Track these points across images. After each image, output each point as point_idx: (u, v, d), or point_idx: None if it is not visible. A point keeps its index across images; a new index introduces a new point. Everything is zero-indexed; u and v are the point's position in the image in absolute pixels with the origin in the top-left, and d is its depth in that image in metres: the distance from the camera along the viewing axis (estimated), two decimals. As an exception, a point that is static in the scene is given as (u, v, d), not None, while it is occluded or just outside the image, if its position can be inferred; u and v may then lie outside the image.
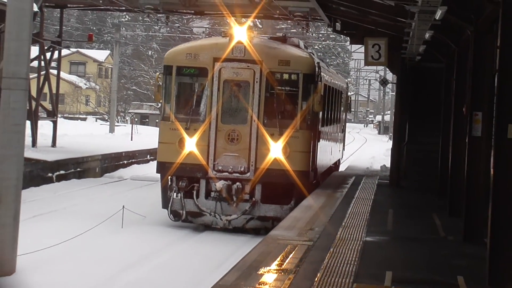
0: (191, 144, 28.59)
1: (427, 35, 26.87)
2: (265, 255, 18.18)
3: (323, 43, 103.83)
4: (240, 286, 14.99)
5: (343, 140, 53.62)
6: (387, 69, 48.80)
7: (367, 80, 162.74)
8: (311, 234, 21.38)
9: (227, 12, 40.38)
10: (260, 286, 14.97)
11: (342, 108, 49.14)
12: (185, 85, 30.96)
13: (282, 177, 28.40)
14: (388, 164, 41.76)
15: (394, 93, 45.72)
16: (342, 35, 48.14)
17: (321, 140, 33.90)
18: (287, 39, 34.21)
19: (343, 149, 54.46)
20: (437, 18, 21.27)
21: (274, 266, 17.09)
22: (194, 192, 29.08)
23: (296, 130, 28.80)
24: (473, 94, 21.88)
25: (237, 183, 28.50)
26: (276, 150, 28.41)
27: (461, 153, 24.34)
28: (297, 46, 33.37)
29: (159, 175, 31.25)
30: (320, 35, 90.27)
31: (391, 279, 16.17)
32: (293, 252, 18.61)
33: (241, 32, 28.43)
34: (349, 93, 62.18)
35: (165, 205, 29.57)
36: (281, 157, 28.28)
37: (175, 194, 29.15)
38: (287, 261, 17.69)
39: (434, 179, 34.91)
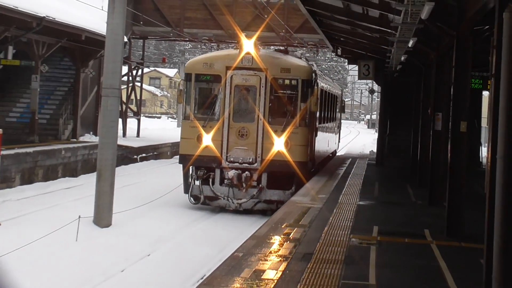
0: (207, 139, 25.89)
1: (402, 58, 26.81)
2: (287, 214, 18.14)
3: (329, 63, 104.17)
4: (270, 236, 14.99)
5: (338, 135, 48.64)
6: (374, 82, 48.26)
7: (360, 90, 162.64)
8: (320, 200, 21.37)
9: (261, 42, 35.77)
10: (284, 236, 14.99)
11: (337, 110, 44.44)
12: (202, 89, 27.62)
13: (284, 166, 25.59)
14: (375, 149, 41.51)
15: (379, 99, 45.25)
16: (342, 58, 47.65)
17: (318, 135, 30.44)
18: (289, 51, 31.19)
19: (339, 141, 49.87)
20: (409, 46, 21.21)
21: (294, 222, 17.01)
22: (210, 180, 26.29)
23: (296, 127, 25.91)
24: (436, 100, 21.87)
25: (246, 172, 25.81)
26: (279, 144, 25.66)
27: (427, 142, 24.28)
28: (298, 58, 30.17)
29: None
30: (327, 57, 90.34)
31: (377, 231, 16.19)
32: (307, 212, 18.60)
33: (249, 45, 26.02)
34: (343, 98, 56.75)
35: (186, 190, 26.93)
36: (283, 150, 25.57)
37: (194, 181, 26.56)
38: (303, 219, 17.67)
39: (407, 160, 34.82)
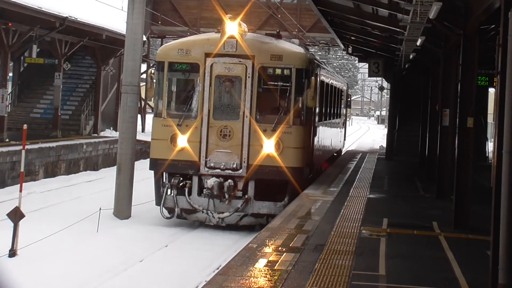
0: (183, 141, 20.89)
1: (411, 56, 26.81)
2: (300, 207, 18.16)
3: (340, 61, 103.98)
4: (284, 228, 14.98)
5: (343, 133, 42.41)
6: (384, 79, 48.09)
7: (370, 87, 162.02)
8: (331, 193, 21.33)
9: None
10: (297, 227, 14.97)
11: (342, 105, 38.43)
12: (177, 81, 22.54)
13: (275, 173, 20.67)
14: (385, 144, 41.44)
15: (388, 96, 45.15)
16: (352, 56, 47.54)
17: (318, 134, 25.32)
18: (282, 36, 25.16)
19: (344, 139, 43.49)
20: (418, 45, 21.19)
21: (306, 214, 17.00)
22: (186, 189, 21.04)
23: (289, 126, 20.78)
24: (443, 96, 21.77)
25: (229, 180, 20.66)
26: (268, 146, 20.67)
27: (435, 137, 24.16)
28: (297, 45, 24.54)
29: None
30: (338, 56, 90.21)
31: (387, 223, 16.13)
32: (319, 205, 18.61)
33: (233, 27, 20.72)
34: (350, 93, 51.20)
35: (158, 202, 21.46)
36: (274, 153, 20.59)
37: (167, 190, 21.33)
38: (315, 211, 17.66)
39: (416, 155, 34.74)
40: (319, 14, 28.19)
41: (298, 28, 43.47)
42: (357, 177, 26.37)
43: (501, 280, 10.55)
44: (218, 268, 14.16)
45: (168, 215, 21.14)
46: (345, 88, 40.86)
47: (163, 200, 20.98)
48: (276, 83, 21.32)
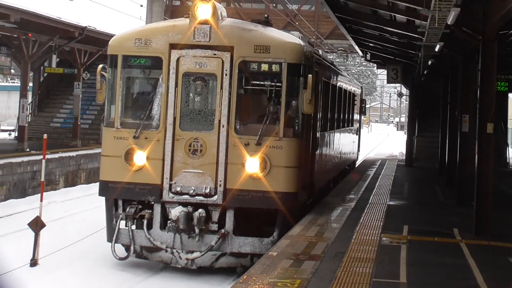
0: (140, 158, 15.70)
1: (429, 62, 26.73)
2: (320, 214, 18.01)
3: (358, 68, 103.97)
4: (303, 235, 14.87)
5: (357, 142, 36.49)
6: (402, 86, 48.02)
7: (389, 93, 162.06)
8: (351, 200, 21.27)
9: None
10: (317, 236, 14.92)
11: (355, 111, 33.20)
12: (134, 80, 17.10)
13: (260, 201, 15.59)
14: (404, 151, 41.37)
15: (407, 102, 45.11)
16: (371, 63, 47.57)
17: (321, 147, 20.22)
18: (271, 23, 18.62)
19: (358, 150, 37.59)
20: (436, 51, 21.14)
21: (326, 222, 16.94)
22: (145, 221, 15.70)
23: (279, 139, 15.60)
24: (462, 102, 21.76)
25: (200, 210, 15.37)
26: (252, 165, 15.51)
27: (454, 143, 24.12)
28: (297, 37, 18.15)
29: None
30: (356, 62, 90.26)
31: (407, 230, 16.08)
32: (339, 212, 18.54)
33: (206, 10, 15.55)
34: (364, 97, 43.82)
35: (109, 237, 16.12)
36: (259, 174, 15.45)
37: (122, 223, 15.99)
38: (334, 218, 17.60)
39: (435, 161, 34.65)
40: (337, 21, 28.19)
41: (316, 35, 43.42)
42: (377, 184, 26.32)
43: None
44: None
45: (120, 257, 15.81)
46: (358, 91, 35.76)
47: (115, 235, 15.66)
48: (261, 83, 16.08)
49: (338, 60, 59.61)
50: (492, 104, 16.19)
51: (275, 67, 15.72)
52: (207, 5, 15.25)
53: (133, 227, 16.11)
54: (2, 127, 51.26)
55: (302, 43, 16.60)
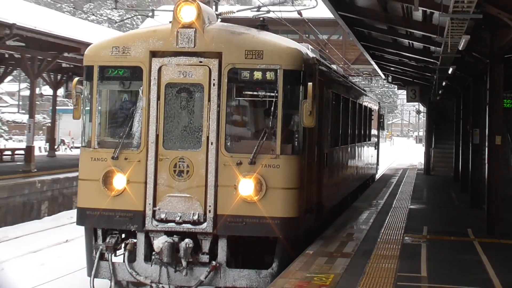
0: (120, 181, 12.04)
1: (443, 83, 26.64)
2: (349, 218, 17.96)
3: (381, 89, 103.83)
4: (336, 236, 14.83)
5: (376, 156, 32.14)
6: (420, 104, 47.84)
7: (408, 111, 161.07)
8: (377, 204, 21.20)
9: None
10: (348, 236, 14.88)
11: (373, 125, 29.18)
12: (112, 94, 13.20)
13: (256, 228, 11.79)
14: (423, 161, 41.13)
15: (425, 118, 44.94)
16: (392, 84, 47.38)
17: (333, 163, 16.44)
18: (268, 27, 14.53)
19: (377, 164, 33.29)
20: (449, 73, 21.12)
21: (354, 224, 16.87)
22: (126, 253, 12.06)
23: (275, 157, 11.82)
24: (473, 118, 21.65)
25: (187, 240, 11.65)
26: (245, 187, 11.79)
27: (467, 153, 23.96)
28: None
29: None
30: (379, 84, 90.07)
31: (427, 231, 15.97)
32: (366, 215, 18.43)
33: (190, 12, 11.89)
34: (382, 113, 39.78)
35: (89, 271, 12.41)
36: (253, 197, 11.70)
37: (101, 255, 12.28)
38: (362, 221, 17.49)
39: (450, 170, 34.40)
40: (362, 49, 28.17)
41: (344, 61, 43.40)
42: (399, 190, 26.18)
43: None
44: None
45: None
46: (376, 107, 31.62)
47: (94, 269, 11.97)
48: (255, 93, 12.24)
49: (364, 82, 59.50)
50: (500, 119, 16.11)
51: (269, 75, 11.67)
52: (191, 6, 11.48)
53: (116, 259, 12.21)
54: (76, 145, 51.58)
55: (300, 47, 12.29)
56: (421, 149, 78.96)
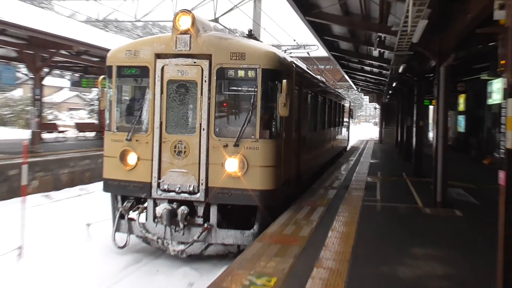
0: (133, 158, 9.17)
1: (390, 91, 26.31)
2: (334, 169, 17.48)
3: (355, 95, 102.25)
4: (328, 178, 14.47)
5: (347, 135, 28.63)
6: (376, 103, 47.28)
7: (369, 107, 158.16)
8: (350, 161, 20.64)
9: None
10: (331, 180, 14.62)
11: (345, 116, 25.56)
12: (127, 88, 9.87)
13: (239, 198, 8.64)
14: (378, 135, 40.67)
15: (379, 112, 44.36)
16: (360, 92, 46.72)
17: (312, 143, 13.26)
18: (255, 37, 11.35)
19: (348, 139, 29.41)
20: (393, 86, 20.94)
21: (335, 172, 16.37)
22: (138, 215, 9.29)
23: (255, 140, 8.62)
24: (408, 111, 21.39)
25: (182, 207, 8.78)
26: (231, 165, 8.64)
27: (403, 131, 23.55)
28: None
29: None
30: (354, 92, 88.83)
31: (380, 174, 15.84)
32: (344, 167, 18.11)
33: (186, 21, 8.82)
34: (351, 107, 31.62)
35: (113, 226, 9.47)
36: (237, 173, 8.60)
37: (121, 215, 9.51)
38: (342, 169, 17.12)
39: (393, 140, 33.96)
40: (343, 73, 27.91)
41: (333, 80, 42.95)
42: (364, 153, 25.87)
43: (438, 199, 10.48)
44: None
45: (120, 245, 9.47)
46: (347, 104, 27.53)
47: (114, 226, 9.50)
48: (239, 88, 9.34)
49: (344, 91, 58.62)
50: (422, 111, 16.02)
51: (250, 73, 8.77)
52: (187, 16, 8.93)
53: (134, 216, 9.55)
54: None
55: (277, 51, 9.29)
56: (377, 129, 78.06)
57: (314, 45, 26.55)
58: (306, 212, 9.36)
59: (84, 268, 8.34)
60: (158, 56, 9.03)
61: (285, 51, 16.87)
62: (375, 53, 17.66)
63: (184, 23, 8.85)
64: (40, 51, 17.08)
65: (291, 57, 11.69)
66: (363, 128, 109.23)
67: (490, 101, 21.29)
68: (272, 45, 11.09)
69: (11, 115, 42.01)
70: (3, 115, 42.15)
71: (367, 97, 46.46)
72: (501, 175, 4.91)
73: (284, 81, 8.55)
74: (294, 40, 27.52)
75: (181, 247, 8.80)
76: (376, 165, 19.43)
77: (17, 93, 46.52)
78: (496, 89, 20.18)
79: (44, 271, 7.97)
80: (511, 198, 4.89)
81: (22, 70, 27.82)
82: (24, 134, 27.02)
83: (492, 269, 5.16)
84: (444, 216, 9.48)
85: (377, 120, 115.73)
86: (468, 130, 25.53)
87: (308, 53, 26.74)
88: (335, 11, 12.24)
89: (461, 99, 26.86)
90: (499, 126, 10.30)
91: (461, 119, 27.29)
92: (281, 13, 49.74)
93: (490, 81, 20.75)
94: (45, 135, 24.58)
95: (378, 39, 12.86)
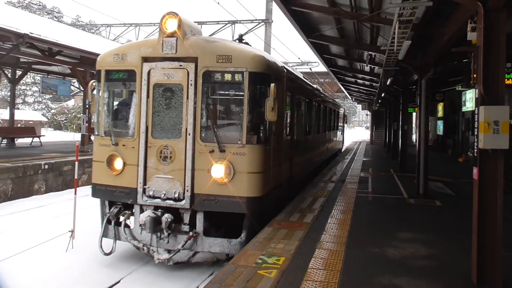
0: (119, 164, 6.89)
1: (379, 101, 26.08)
2: (332, 166, 17.32)
3: (350, 104, 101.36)
4: (327, 172, 14.33)
5: (342, 138, 26.21)
6: (368, 111, 46.95)
7: (362, 114, 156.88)
8: (345, 159, 20.39)
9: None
10: (329, 175, 14.51)
11: (339, 121, 23.07)
12: (114, 92, 7.33)
13: (226, 205, 6.40)
14: (369, 137, 40.33)
15: (370, 117, 44.05)
16: (354, 101, 46.43)
17: (306, 146, 11.10)
18: (245, 41, 8.71)
19: (343, 141, 27.26)
20: (382, 96, 20.76)
21: (333, 167, 16.21)
22: (123, 221, 6.98)
23: (242, 146, 6.37)
24: (394, 116, 21.21)
25: (167, 215, 6.57)
26: (217, 171, 6.41)
27: (391, 134, 23.41)
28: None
29: None
30: (349, 101, 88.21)
31: (372, 170, 15.61)
32: (340, 164, 17.76)
33: (172, 23, 6.55)
34: (346, 114, 29.60)
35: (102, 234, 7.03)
36: (223, 179, 6.40)
37: (108, 221, 7.15)
38: (338, 167, 16.87)
39: (382, 142, 33.70)
40: (339, 85, 27.75)
41: (332, 91, 42.74)
42: (357, 152, 25.65)
43: (420, 191, 10.36)
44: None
45: (106, 252, 7.24)
46: (342, 111, 24.99)
47: (102, 232, 7.33)
48: (225, 92, 7.12)
49: (341, 101, 58.26)
50: (407, 117, 15.83)
51: (237, 76, 6.80)
52: (174, 19, 7.03)
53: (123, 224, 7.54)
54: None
55: (265, 55, 7.25)
56: (368, 132, 77.59)
57: (315, 62, 26.84)
58: (309, 202, 9.32)
59: (120, 245, 7.81)
60: (145, 59, 7.18)
61: (291, 67, 15.72)
62: (367, 68, 17.57)
63: (171, 25, 7.04)
64: (89, 68, 17.79)
65: (290, 67, 10.25)
66: (356, 132, 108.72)
67: (464, 109, 21.10)
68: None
69: (66, 121, 44.84)
70: (60, 121, 44.86)
71: (360, 105, 46.20)
72: (475, 170, 4.85)
73: (272, 84, 6.68)
74: (299, 58, 28.17)
75: (166, 255, 6.89)
76: (368, 162, 19.19)
77: (71, 102, 49.27)
78: (469, 98, 19.98)
79: (91, 249, 7.90)
80: (484, 190, 4.85)
81: (75, 84, 28.91)
82: (76, 137, 28.95)
83: (468, 250, 5.17)
84: (426, 205, 9.37)
85: (369, 124, 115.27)
86: (446, 133, 25.30)
87: (310, 69, 27.02)
88: (333, 34, 12.25)
89: (440, 107, 26.57)
90: (472, 129, 10.16)
91: (440, 124, 26.98)
92: (288, 35, 49.71)
93: (464, 92, 20.55)
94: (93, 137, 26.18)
95: (369, 57, 12.81)
